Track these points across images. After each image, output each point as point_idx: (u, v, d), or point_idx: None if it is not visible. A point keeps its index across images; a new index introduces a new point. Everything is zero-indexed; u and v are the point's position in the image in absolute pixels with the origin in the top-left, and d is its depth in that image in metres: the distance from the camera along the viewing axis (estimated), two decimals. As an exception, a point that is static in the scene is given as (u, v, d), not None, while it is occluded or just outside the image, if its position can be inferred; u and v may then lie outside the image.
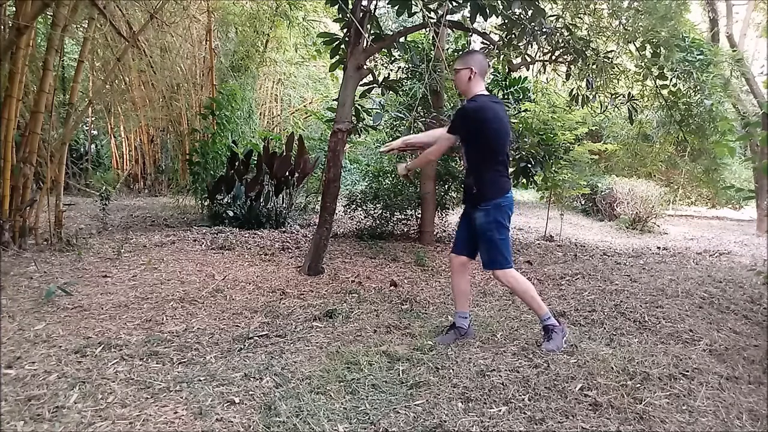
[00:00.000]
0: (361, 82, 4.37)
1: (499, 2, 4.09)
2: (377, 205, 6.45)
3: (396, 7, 4.05)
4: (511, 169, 6.32)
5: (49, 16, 5.02)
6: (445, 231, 6.95)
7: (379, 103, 5.76)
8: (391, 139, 6.89)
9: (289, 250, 5.16)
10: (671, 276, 4.52)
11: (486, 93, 2.84)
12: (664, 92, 5.78)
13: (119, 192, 9.36)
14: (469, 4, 4.06)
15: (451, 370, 2.43)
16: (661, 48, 4.88)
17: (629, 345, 2.78)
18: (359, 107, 4.78)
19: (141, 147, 10.32)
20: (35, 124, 4.40)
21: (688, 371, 2.43)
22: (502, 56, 4.77)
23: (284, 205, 6.64)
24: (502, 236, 2.73)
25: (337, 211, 5.33)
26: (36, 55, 5.06)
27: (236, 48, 9.10)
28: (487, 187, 2.74)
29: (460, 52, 5.87)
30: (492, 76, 6.70)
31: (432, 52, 5.19)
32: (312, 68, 11.56)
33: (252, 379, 2.28)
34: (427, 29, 4.26)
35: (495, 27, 5.21)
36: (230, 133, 7.25)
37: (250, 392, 2.15)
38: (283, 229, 6.26)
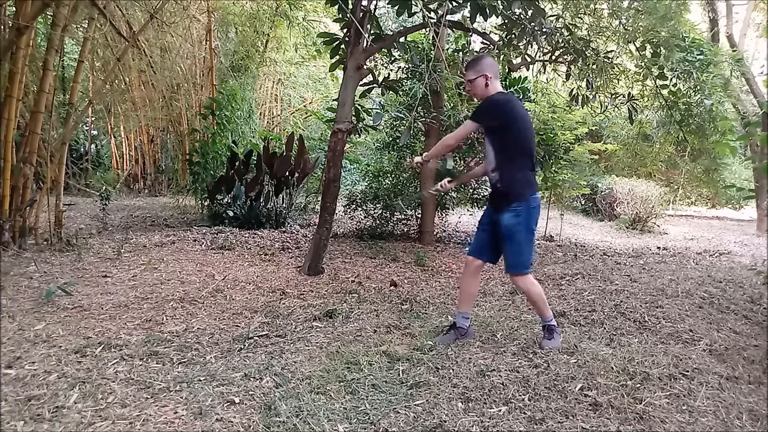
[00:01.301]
0: (361, 82, 4.37)
1: (499, 2, 4.09)
2: (377, 205, 6.45)
3: (396, 7, 4.04)
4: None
5: (49, 16, 5.02)
6: (445, 231, 6.95)
7: (379, 103, 5.75)
8: (391, 139, 6.90)
9: (289, 250, 5.16)
10: (671, 276, 4.52)
11: (504, 91, 2.82)
12: (664, 92, 5.77)
13: (119, 192, 9.36)
14: (469, 4, 4.06)
15: (451, 370, 2.42)
16: (661, 48, 4.88)
17: (629, 345, 2.78)
18: (359, 107, 4.77)
19: (141, 147, 10.33)
20: (35, 124, 4.40)
21: (688, 371, 2.43)
22: (502, 56, 4.77)
23: (284, 205, 6.64)
24: (528, 240, 2.65)
25: (337, 211, 5.34)
26: (36, 55, 5.05)
27: (236, 48, 9.09)
28: (516, 185, 2.62)
29: (459, 53, 5.88)
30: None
31: (432, 52, 5.18)
32: (312, 68, 11.56)
33: (252, 379, 2.28)
34: (427, 29, 4.26)
35: (495, 27, 5.21)
36: (230, 133, 7.25)
37: (250, 392, 2.15)
38: (283, 229, 6.26)
